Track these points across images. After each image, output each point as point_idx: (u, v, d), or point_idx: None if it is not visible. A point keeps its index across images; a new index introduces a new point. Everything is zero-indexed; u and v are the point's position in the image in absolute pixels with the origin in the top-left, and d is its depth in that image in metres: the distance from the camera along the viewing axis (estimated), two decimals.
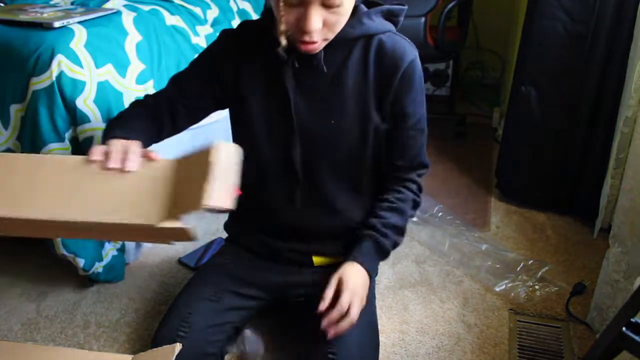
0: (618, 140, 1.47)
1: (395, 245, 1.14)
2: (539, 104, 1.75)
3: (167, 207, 0.78)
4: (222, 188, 0.76)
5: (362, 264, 1.07)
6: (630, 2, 1.52)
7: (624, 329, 0.82)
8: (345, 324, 1.00)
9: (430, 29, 2.16)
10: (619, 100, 1.59)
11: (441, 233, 1.74)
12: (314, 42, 0.96)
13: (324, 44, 1.00)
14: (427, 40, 2.13)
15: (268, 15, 1.07)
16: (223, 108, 1.18)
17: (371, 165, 1.15)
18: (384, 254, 1.13)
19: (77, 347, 1.29)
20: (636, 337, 0.81)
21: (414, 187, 1.17)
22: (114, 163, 0.81)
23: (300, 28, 0.94)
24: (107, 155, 0.82)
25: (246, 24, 1.15)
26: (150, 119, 1.11)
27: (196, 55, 1.17)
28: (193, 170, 0.79)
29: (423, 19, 2.08)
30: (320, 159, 1.12)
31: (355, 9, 1.04)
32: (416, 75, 1.08)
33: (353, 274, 1.05)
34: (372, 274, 1.09)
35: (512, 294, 1.46)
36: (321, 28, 0.95)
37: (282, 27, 0.95)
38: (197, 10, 1.75)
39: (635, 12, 1.51)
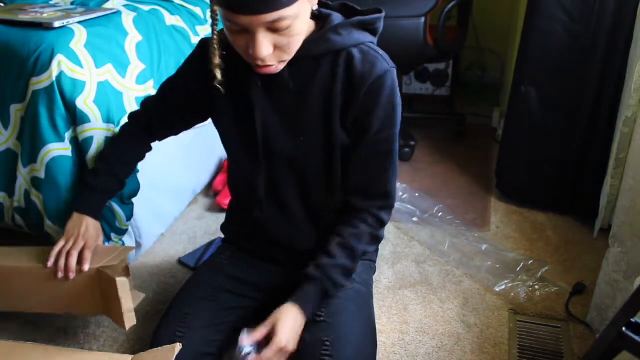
0: (618, 140, 1.47)
1: (339, 287, 1.09)
2: (539, 104, 1.75)
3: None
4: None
5: (302, 309, 1.03)
6: (630, 3, 1.52)
7: (624, 329, 0.82)
8: None
9: (430, 29, 2.16)
10: (619, 100, 1.59)
11: (441, 233, 1.74)
12: (269, 66, 0.92)
13: (282, 65, 0.95)
14: (427, 40, 2.13)
15: None
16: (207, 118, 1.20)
17: (334, 189, 1.11)
18: (327, 296, 1.08)
19: (77, 347, 1.29)
20: (636, 337, 0.81)
21: (370, 220, 1.09)
22: (60, 273, 1.13)
23: (250, 55, 0.90)
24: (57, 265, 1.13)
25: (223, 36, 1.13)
26: (136, 141, 1.23)
27: (180, 65, 1.16)
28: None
29: (423, 19, 2.08)
30: (287, 177, 1.10)
31: (326, 22, 1.00)
32: (384, 90, 1.00)
33: (289, 321, 1.02)
34: (308, 316, 1.05)
35: (512, 294, 1.46)
36: (272, 52, 0.90)
37: (216, 61, 0.94)
38: (197, 10, 1.75)
39: (635, 12, 1.51)
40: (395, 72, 1.02)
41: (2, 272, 1.19)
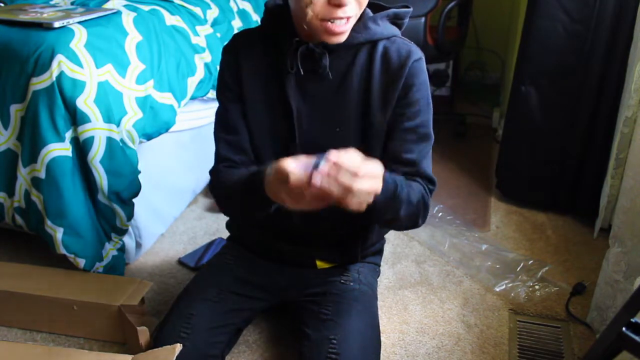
0: (618, 140, 1.47)
1: (404, 204, 0.99)
2: (539, 104, 1.75)
3: None
4: None
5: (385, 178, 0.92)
6: (630, 2, 1.52)
7: (624, 329, 0.82)
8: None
9: (430, 29, 2.16)
10: (619, 100, 1.59)
11: (441, 233, 1.74)
12: (343, 25, 0.94)
13: (350, 27, 0.97)
14: (427, 40, 2.13)
15: (271, 17, 1.06)
16: None
17: None
18: (397, 198, 0.97)
19: (77, 348, 1.29)
20: (636, 337, 0.81)
21: (422, 181, 1.06)
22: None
23: (334, 2, 0.91)
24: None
25: (241, 34, 1.12)
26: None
27: (215, 84, 1.14)
28: None
29: (423, 19, 2.08)
30: None
31: (362, 13, 1.02)
32: (423, 72, 1.05)
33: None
34: (386, 180, 0.93)
35: (512, 294, 1.46)
36: (353, 1, 0.93)
37: (310, 13, 0.92)
38: (197, 10, 1.75)
39: (635, 12, 1.51)
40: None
41: (37, 299, 1.30)
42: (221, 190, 1.13)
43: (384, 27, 1.04)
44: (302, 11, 0.93)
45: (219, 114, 1.14)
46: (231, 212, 1.19)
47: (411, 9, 1.08)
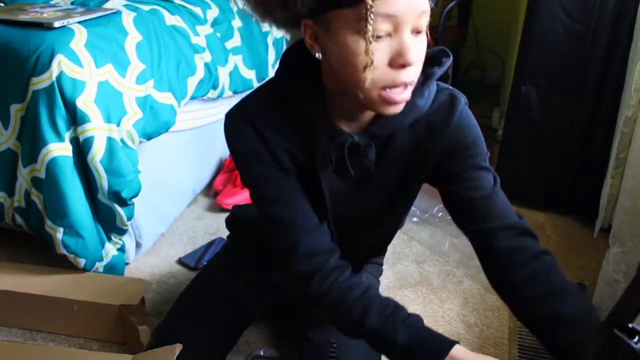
0: (618, 140, 1.47)
1: None
2: (539, 104, 1.75)
3: None
4: None
5: None
6: (630, 2, 1.53)
7: (615, 330, 0.81)
8: None
9: (430, 29, 2.16)
10: (619, 100, 1.59)
11: (441, 233, 1.74)
12: (403, 92, 0.77)
13: (410, 93, 0.79)
14: (427, 40, 2.13)
15: (289, 75, 0.87)
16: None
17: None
18: None
19: (77, 348, 1.29)
20: (628, 340, 0.79)
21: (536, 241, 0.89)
22: None
23: (398, 63, 0.73)
24: None
25: (253, 98, 0.91)
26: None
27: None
28: None
29: None
30: (351, 235, 1.00)
31: None
32: (471, 126, 0.88)
33: None
34: None
35: None
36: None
37: (370, 78, 0.73)
38: (197, 10, 1.75)
39: (635, 12, 1.51)
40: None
41: (37, 299, 1.30)
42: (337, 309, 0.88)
43: (428, 96, 0.86)
44: (356, 76, 0.74)
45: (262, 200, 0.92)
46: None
47: (451, 58, 0.89)
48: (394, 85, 0.76)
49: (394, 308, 0.83)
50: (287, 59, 0.87)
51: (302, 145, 0.88)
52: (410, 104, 0.83)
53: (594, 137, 1.69)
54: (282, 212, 0.88)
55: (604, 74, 1.63)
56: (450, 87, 0.91)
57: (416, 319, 0.83)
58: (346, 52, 0.73)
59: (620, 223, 1.24)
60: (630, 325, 0.79)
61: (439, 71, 0.86)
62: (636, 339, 0.76)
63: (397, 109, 0.79)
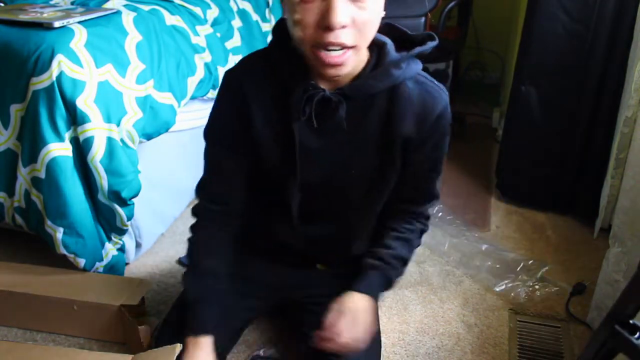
0: (618, 140, 1.47)
1: (399, 275, 1.10)
2: (539, 103, 1.75)
3: None
4: None
5: (370, 297, 1.03)
6: (630, 2, 1.52)
7: (616, 326, 0.81)
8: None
9: (430, 29, 2.16)
10: (619, 100, 1.59)
11: (441, 233, 1.74)
12: (340, 55, 0.83)
13: (348, 57, 0.85)
14: None
15: (278, 41, 0.95)
16: None
17: (380, 206, 1.10)
18: (388, 285, 1.09)
19: (77, 348, 1.29)
20: (629, 335, 0.80)
21: (421, 219, 1.13)
22: None
23: (323, 25, 0.80)
24: None
25: (249, 61, 1.02)
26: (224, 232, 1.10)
27: (211, 109, 1.05)
28: None
29: (423, 19, 2.08)
30: (326, 206, 1.08)
31: (382, 51, 0.94)
32: (447, 122, 1.00)
33: (355, 302, 1.01)
34: (375, 302, 1.04)
35: (512, 294, 1.46)
36: (348, 27, 0.81)
37: (299, 35, 0.81)
38: (197, 10, 1.75)
39: (635, 12, 1.51)
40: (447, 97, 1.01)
41: (37, 299, 1.30)
42: (193, 249, 1.09)
43: (406, 69, 0.94)
44: (295, 33, 0.83)
45: (214, 139, 1.05)
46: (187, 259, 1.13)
47: (436, 42, 0.98)
48: (319, 45, 0.82)
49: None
50: (278, 29, 0.96)
51: (281, 104, 0.95)
52: (383, 72, 0.92)
53: (594, 137, 1.69)
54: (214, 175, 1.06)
55: (604, 74, 1.63)
56: (443, 92, 1.01)
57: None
58: (287, 10, 0.84)
59: (620, 223, 1.24)
60: (631, 322, 0.80)
61: (419, 49, 0.95)
62: (637, 335, 0.77)
63: (337, 71, 0.85)
